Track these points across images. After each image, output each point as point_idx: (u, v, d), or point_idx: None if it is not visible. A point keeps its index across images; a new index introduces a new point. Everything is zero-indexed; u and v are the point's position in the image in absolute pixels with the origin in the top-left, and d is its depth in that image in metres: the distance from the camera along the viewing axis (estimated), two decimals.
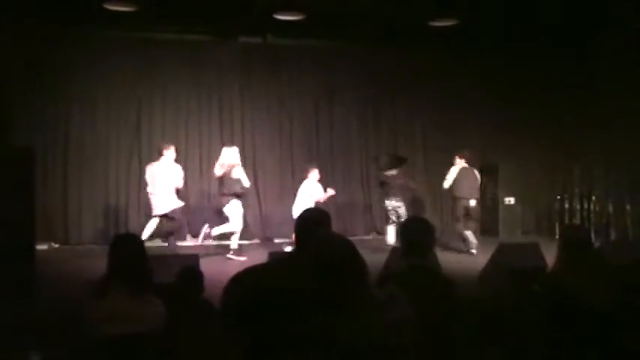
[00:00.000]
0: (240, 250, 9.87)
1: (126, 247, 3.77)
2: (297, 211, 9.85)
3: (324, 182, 12.53)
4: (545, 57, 11.91)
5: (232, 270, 2.49)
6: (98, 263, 4.13)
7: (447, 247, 10.34)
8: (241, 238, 10.34)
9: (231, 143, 12.03)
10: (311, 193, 10.00)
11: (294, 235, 3.19)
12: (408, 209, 10.50)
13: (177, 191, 9.63)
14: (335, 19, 10.65)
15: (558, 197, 11.96)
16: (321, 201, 9.95)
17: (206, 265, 8.22)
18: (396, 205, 10.28)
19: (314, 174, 10.13)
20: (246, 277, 2.05)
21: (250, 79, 12.18)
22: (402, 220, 9.76)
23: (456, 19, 10.58)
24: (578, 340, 3.20)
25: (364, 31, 11.23)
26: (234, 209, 9.61)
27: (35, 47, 10.81)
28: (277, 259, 4.63)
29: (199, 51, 11.76)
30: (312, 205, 9.59)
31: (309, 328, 2.16)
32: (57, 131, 11.27)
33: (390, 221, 10.34)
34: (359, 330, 2.16)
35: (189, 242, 11.06)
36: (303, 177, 10.35)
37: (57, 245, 11.08)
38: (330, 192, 10.24)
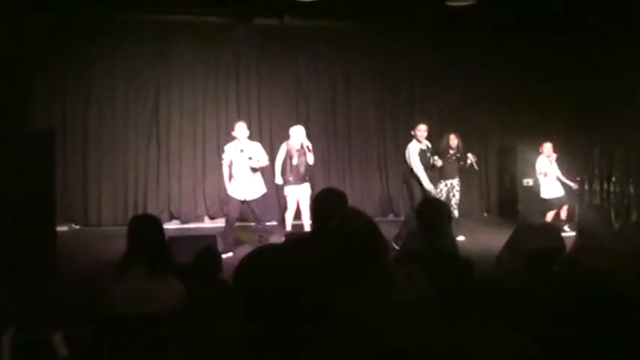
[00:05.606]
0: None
1: (144, 227, 3.79)
2: (543, 190, 10.52)
3: (342, 164, 12.55)
4: (564, 35, 11.73)
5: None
6: (118, 244, 4.16)
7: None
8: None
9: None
10: (543, 168, 10.47)
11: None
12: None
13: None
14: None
15: (578, 178, 11.81)
16: (546, 176, 10.41)
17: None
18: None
19: (546, 148, 10.52)
20: (256, 257, 2.05)
21: (267, 61, 12.12)
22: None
23: None
24: (597, 321, 3.18)
25: (382, 11, 11.10)
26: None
27: (55, 29, 10.84)
28: (294, 239, 4.64)
29: (216, 33, 11.71)
30: (548, 181, 10.41)
31: (328, 306, 2.16)
32: (76, 114, 11.35)
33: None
34: (378, 308, 2.17)
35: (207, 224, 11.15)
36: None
37: (77, 227, 11.20)
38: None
